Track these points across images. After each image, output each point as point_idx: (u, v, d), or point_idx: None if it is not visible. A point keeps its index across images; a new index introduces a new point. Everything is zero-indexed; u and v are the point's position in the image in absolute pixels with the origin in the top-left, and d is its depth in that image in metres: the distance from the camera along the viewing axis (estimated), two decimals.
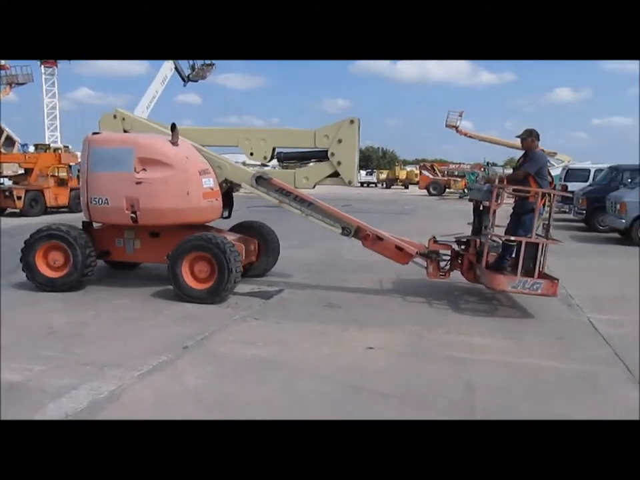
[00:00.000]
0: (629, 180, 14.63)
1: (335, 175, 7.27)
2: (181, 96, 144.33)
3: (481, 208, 7.06)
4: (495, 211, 6.32)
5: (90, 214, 6.97)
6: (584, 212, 15.43)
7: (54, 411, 3.56)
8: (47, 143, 28.83)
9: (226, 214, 7.67)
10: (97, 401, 3.73)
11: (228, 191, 7.52)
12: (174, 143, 6.75)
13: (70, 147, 23.66)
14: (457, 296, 7.04)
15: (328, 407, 3.75)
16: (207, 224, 7.39)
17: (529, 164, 6.49)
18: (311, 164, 7.87)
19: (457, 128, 33.27)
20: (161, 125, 7.43)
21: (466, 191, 35.88)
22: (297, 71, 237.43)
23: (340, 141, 7.10)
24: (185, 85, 30.89)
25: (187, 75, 30.11)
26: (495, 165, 44.70)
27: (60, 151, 21.08)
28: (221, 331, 5.42)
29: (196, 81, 31.48)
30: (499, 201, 6.32)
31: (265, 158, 7.44)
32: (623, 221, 12.53)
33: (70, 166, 19.79)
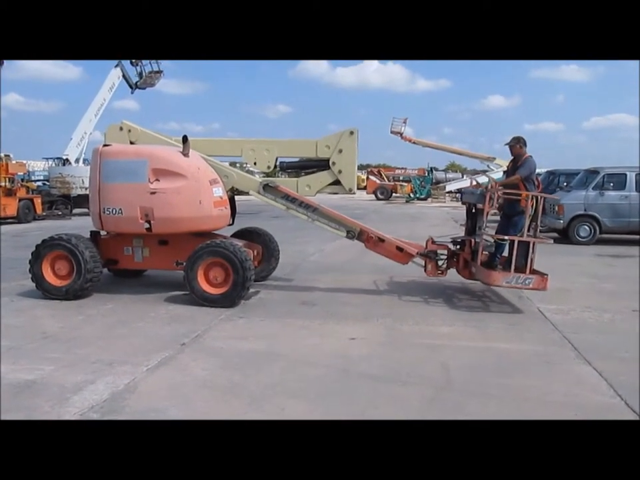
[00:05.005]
0: (565, 183, 15.79)
1: (335, 183, 7.70)
2: (118, 102, 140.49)
3: (473, 210, 7.67)
4: (488, 213, 6.85)
5: (102, 224, 7.18)
6: None
7: (80, 402, 3.89)
8: None
9: (230, 221, 7.94)
10: (117, 392, 4.09)
11: (230, 198, 7.78)
12: (185, 154, 7.06)
13: (11, 155, 22.89)
14: (424, 291, 7.66)
15: (326, 387, 4.26)
16: (214, 231, 7.64)
17: (521, 169, 7.00)
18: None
19: (401, 134, 34.16)
20: (165, 136, 7.73)
21: (411, 195, 37.15)
22: (233, 75, 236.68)
23: (340, 151, 7.53)
24: (132, 92, 30.53)
25: (134, 82, 29.74)
26: (436, 169, 46.43)
27: (3, 160, 20.43)
28: (212, 329, 5.82)
29: (144, 89, 31.10)
30: (492, 204, 6.80)
31: (269, 167, 7.80)
32: (561, 221, 13.60)
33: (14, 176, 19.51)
